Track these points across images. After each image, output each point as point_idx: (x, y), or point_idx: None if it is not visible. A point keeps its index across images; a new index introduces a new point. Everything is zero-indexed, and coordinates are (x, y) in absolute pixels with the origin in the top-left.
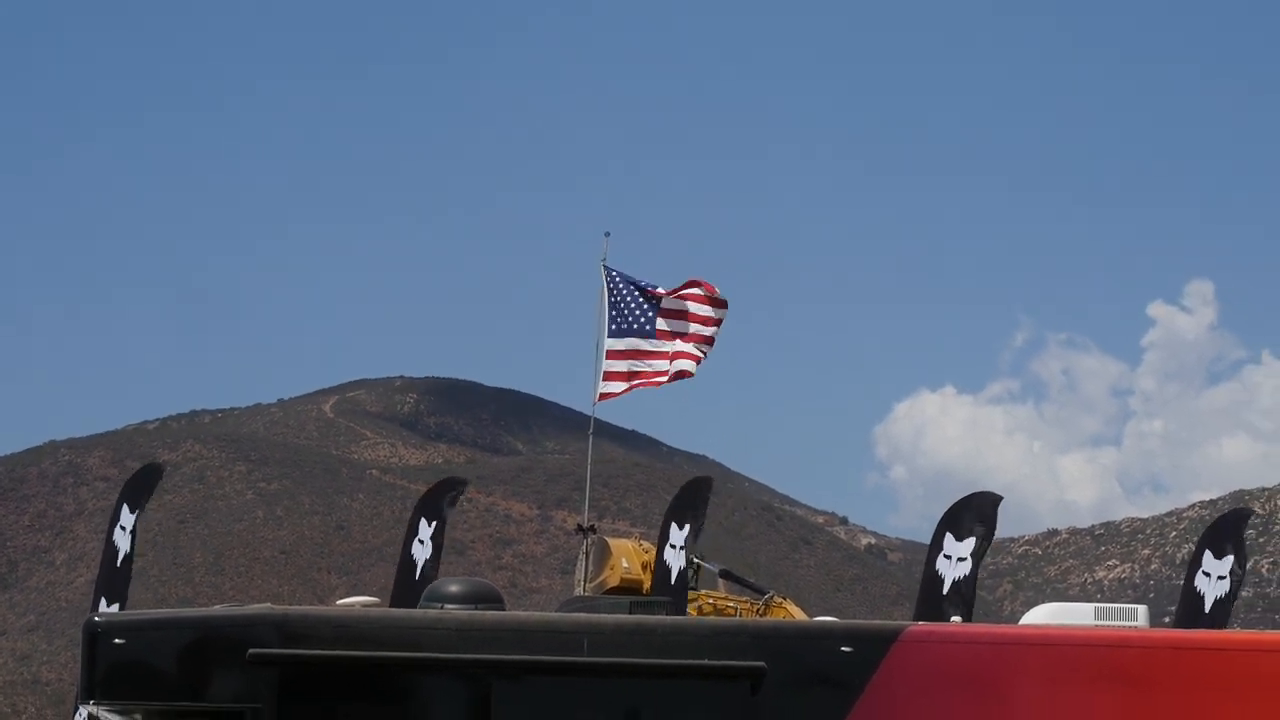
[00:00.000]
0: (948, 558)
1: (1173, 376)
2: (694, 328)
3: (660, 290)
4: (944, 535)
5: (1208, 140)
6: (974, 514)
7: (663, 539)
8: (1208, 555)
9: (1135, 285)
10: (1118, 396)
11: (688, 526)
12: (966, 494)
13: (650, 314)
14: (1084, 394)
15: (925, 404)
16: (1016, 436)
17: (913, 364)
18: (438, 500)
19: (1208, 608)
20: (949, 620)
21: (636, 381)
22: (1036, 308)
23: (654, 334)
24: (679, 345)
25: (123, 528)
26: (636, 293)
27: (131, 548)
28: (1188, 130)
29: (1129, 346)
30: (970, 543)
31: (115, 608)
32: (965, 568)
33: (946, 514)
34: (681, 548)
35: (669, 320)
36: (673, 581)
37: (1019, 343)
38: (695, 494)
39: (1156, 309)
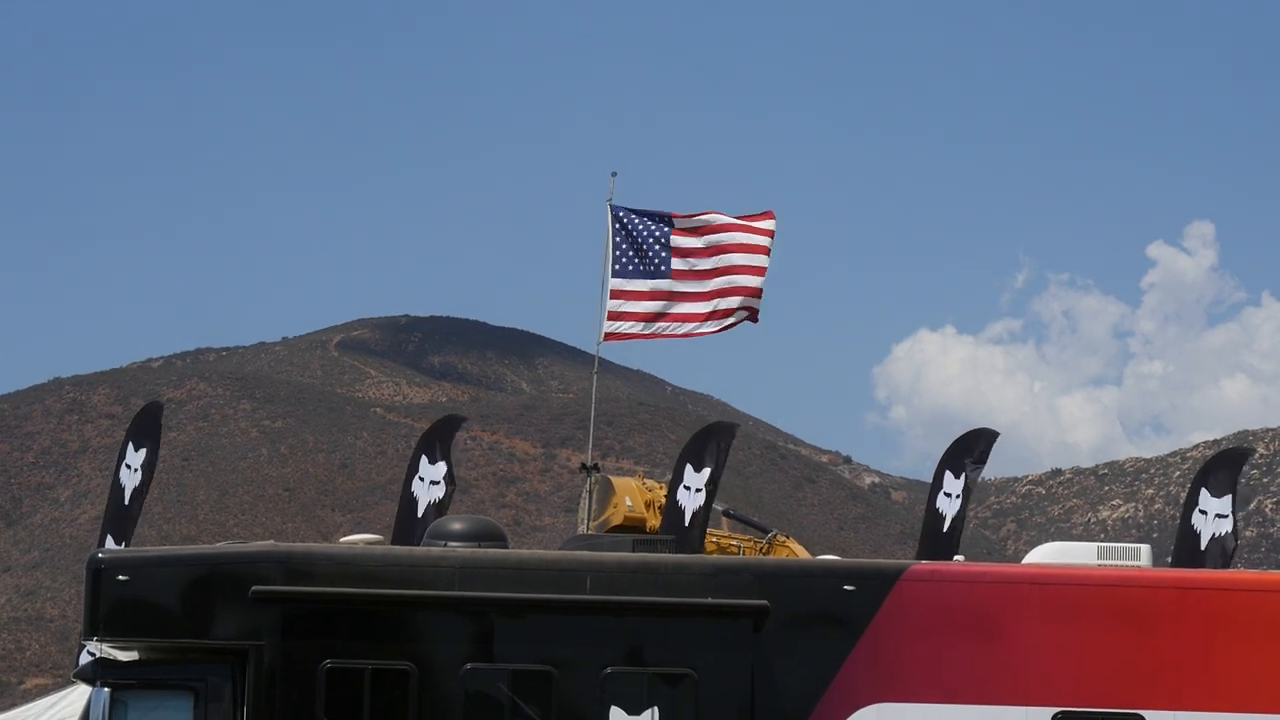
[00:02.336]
0: (948, 495)
1: (1172, 318)
2: (724, 261)
3: (676, 216)
4: (944, 473)
5: (1210, 81)
6: (970, 451)
7: (676, 479)
8: (1204, 494)
9: (1136, 226)
10: (1118, 338)
11: (707, 470)
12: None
13: (663, 253)
14: (1084, 335)
15: (925, 344)
16: (1017, 377)
17: (913, 304)
18: (434, 439)
19: (1204, 545)
20: (952, 558)
21: (657, 328)
22: (1038, 248)
23: (669, 274)
24: (714, 302)
25: (129, 466)
26: (647, 232)
27: (143, 484)
28: (1190, 71)
29: (1129, 287)
30: (962, 481)
31: (121, 545)
32: (956, 504)
33: (947, 452)
34: (699, 490)
35: (684, 259)
36: (686, 523)
37: (1020, 283)
38: (712, 438)
39: (1157, 250)
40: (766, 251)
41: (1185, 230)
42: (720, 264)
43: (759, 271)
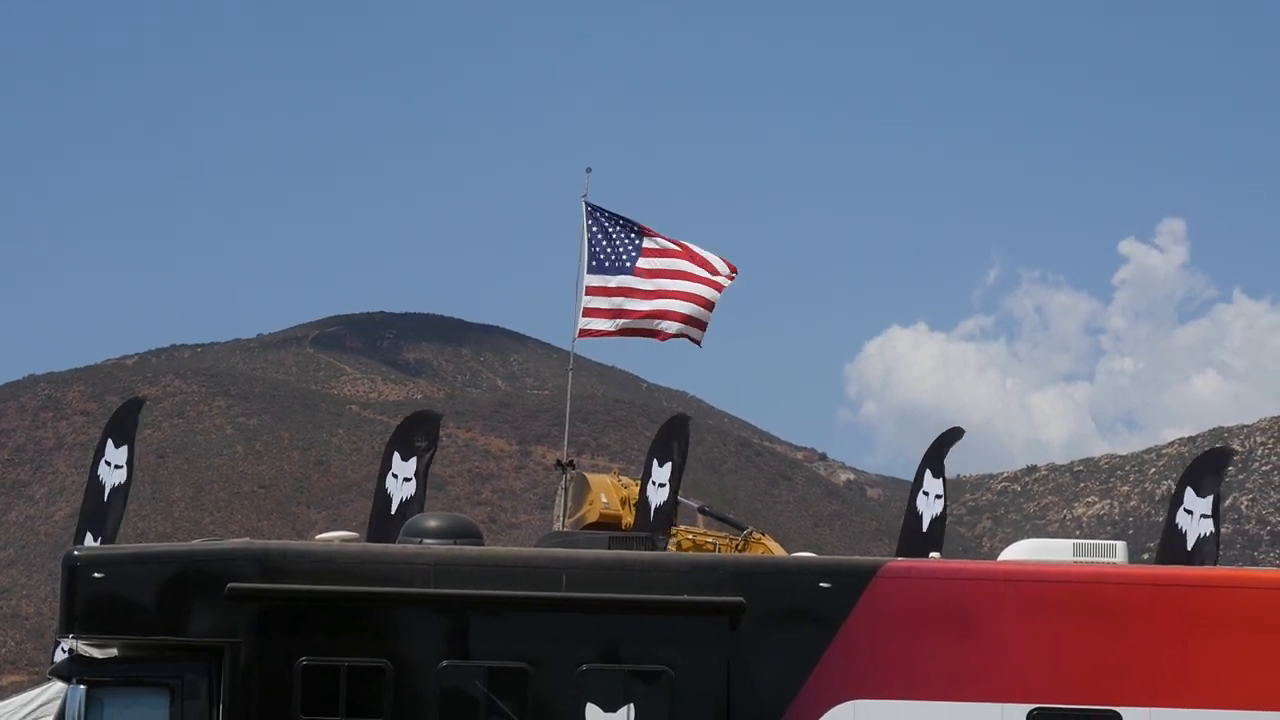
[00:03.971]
0: (927, 495)
1: (1143, 315)
2: (683, 284)
3: (648, 231)
4: (924, 473)
5: (1181, 79)
6: (944, 451)
7: (645, 476)
8: (1189, 492)
9: (1107, 223)
10: (1090, 334)
11: (670, 464)
12: (941, 431)
13: (632, 252)
14: (1056, 331)
15: (897, 340)
16: (989, 373)
17: (885, 301)
18: (406, 436)
19: (1190, 545)
20: (928, 555)
21: (623, 323)
22: (1010, 245)
23: (633, 271)
24: (668, 302)
25: (108, 462)
26: (619, 229)
27: (126, 481)
28: (1162, 68)
29: (1100, 284)
30: (942, 480)
31: (99, 542)
32: (939, 504)
33: (928, 452)
34: (662, 485)
35: (650, 259)
36: (652, 518)
37: (992, 280)
38: (674, 431)
39: (1128, 246)
40: (720, 289)
41: (1156, 227)
42: (680, 268)
43: (707, 305)
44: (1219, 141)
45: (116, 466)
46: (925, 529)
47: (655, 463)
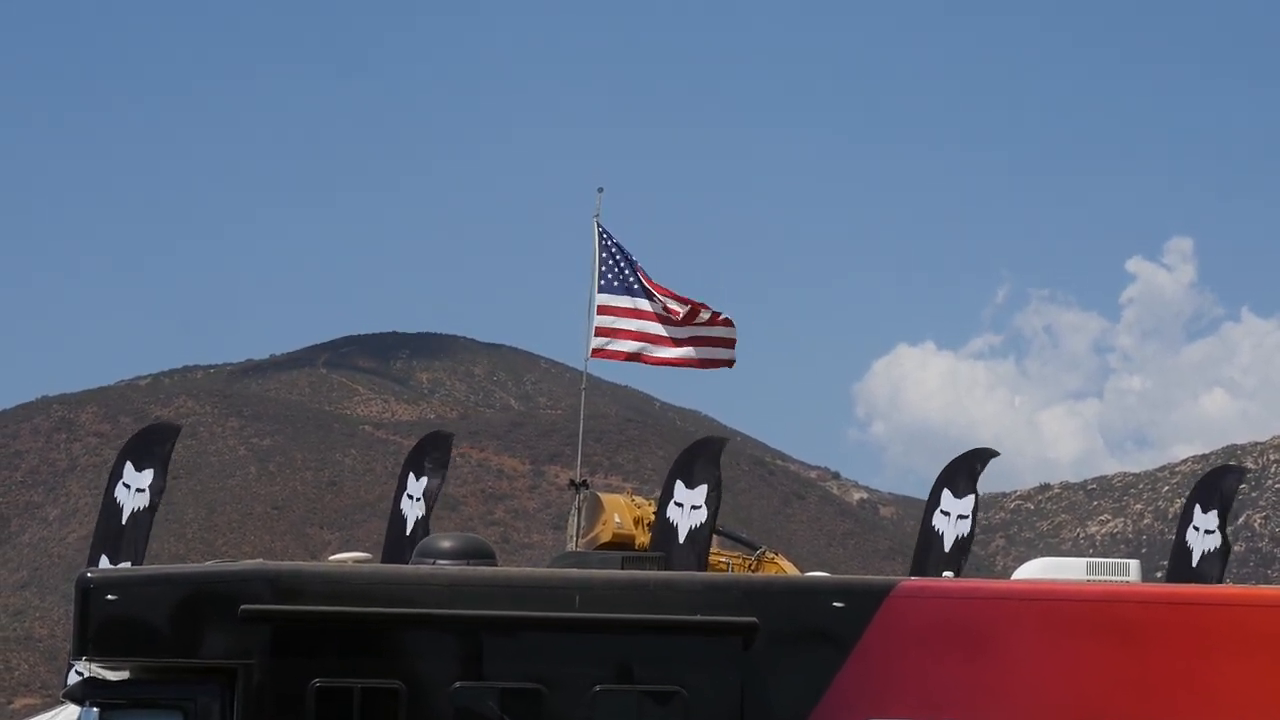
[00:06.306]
0: (945, 514)
1: (1151, 333)
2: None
3: (646, 276)
4: (941, 491)
5: (1188, 98)
6: (970, 470)
7: (666, 496)
8: (1197, 510)
9: (1116, 241)
10: (1098, 353)
11: (704, 487)
12: (957, 450)
13: (641, 275)
14: (1065, 350)
15: (905, 359)
16: (998, 392)
17: (892, 320)
18: (421, 456)
19: (1195, 561)
20: (941, 574)
21: (639, 347)
22: (1019, 263)
23: (644, 294)
24: (684, 332)
25: (127, 485)
26: (628, 251)
27: (151, 506)
28: (1168, 87)
29: (1109, 302)
30: (969, 500)
31: (126, 564)
32: (965, 525)
33: (945, 470)
34: (695, 507)
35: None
36: (680, 540)
37: (1000, 298)
38: (702, 453)
39: (1136, 265)
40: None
41: (1164, 246)
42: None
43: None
44: (1226, 159)
45: (139, 490)
46: (942, 548)
47: (680, 484)
